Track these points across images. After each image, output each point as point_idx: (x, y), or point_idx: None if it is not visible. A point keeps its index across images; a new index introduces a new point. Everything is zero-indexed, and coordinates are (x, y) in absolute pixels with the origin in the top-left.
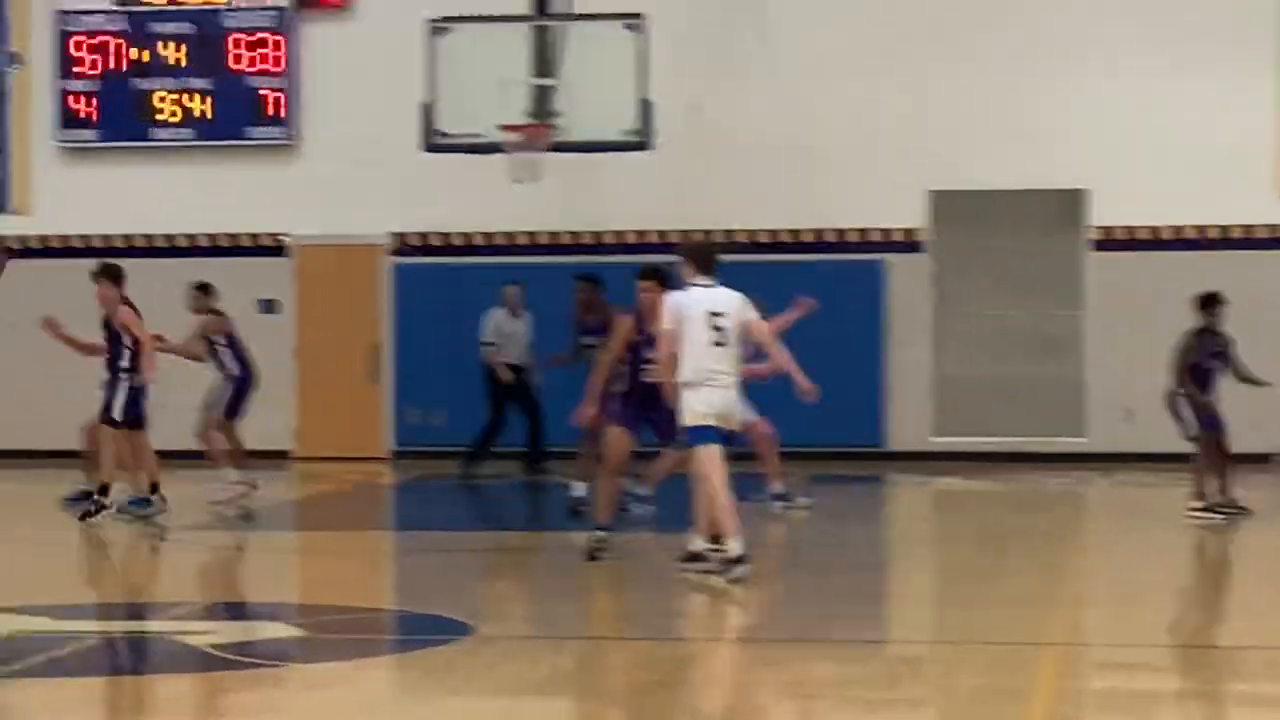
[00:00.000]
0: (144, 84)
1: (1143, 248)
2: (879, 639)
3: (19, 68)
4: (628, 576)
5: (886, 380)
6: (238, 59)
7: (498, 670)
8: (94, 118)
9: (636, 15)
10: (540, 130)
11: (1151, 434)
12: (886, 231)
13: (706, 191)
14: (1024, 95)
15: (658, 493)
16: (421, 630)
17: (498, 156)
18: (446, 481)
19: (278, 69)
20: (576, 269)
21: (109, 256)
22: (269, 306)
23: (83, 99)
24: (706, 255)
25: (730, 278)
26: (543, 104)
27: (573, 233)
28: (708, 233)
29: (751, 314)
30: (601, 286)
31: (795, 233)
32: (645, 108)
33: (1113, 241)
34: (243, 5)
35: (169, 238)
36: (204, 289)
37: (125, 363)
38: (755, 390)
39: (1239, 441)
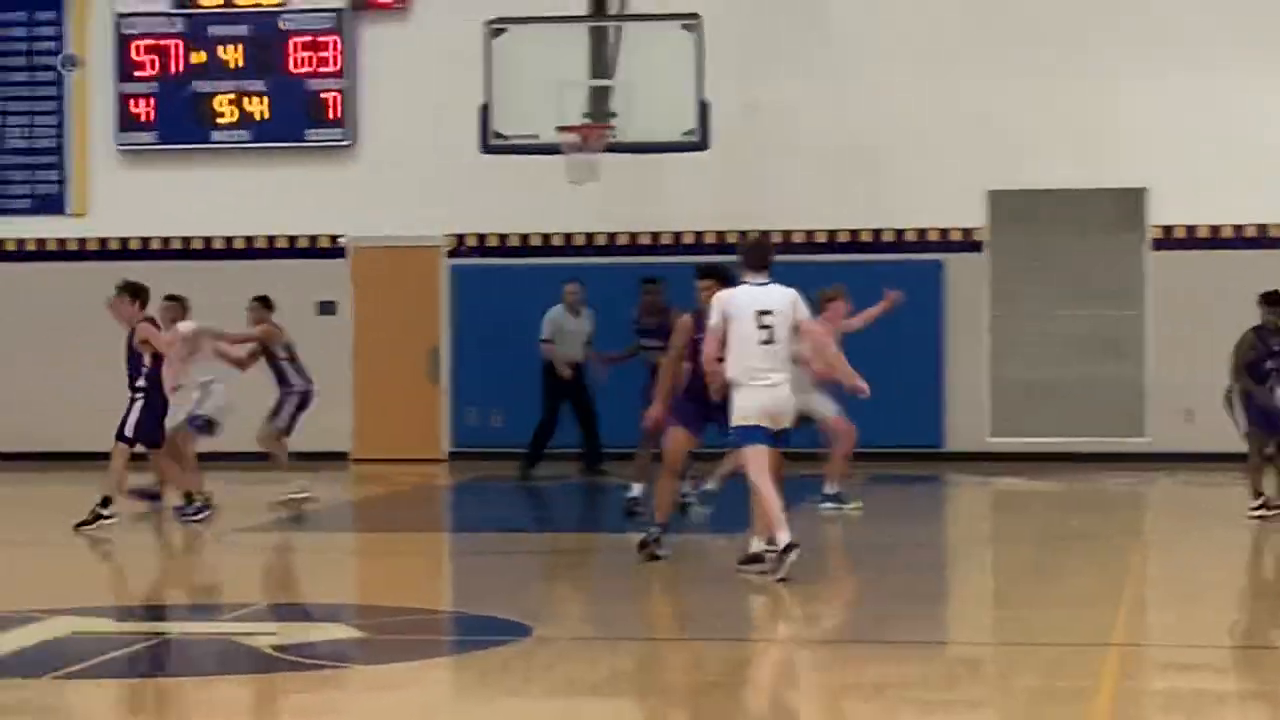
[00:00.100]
0: (202, 86)
1: (1203, 246)
2: (938, 640)
3: (77, 70)
4: (686, 577)
5: (945, 380)
6: (295, 61)
7: (555, 671)
8: (152, 120)
9: (693, 15)
10: (597, 131)
11: (1212, 434)
12: (945, 232)
13: (764, 192)
14: (1084, 94)
15: (720, 492)
16: (479, 631)
17: (555, 157)
18: (504, 483)
19: (335, 71)
20: (633, 270)
21: (167, 259)
22: (327, 308)
23: (141, 102)
24: (758, 253)
25: (788, 278)
26: (600, 105)
27: (630, 233)
28: (765, 233)
29: (803, 313)
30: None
31: (854, 233)
32: (702, 108)
33: (1173, 240)
34: (300, 7)
35: (227, 240)
36: (264, 302)
37: (142, 382)
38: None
39: None
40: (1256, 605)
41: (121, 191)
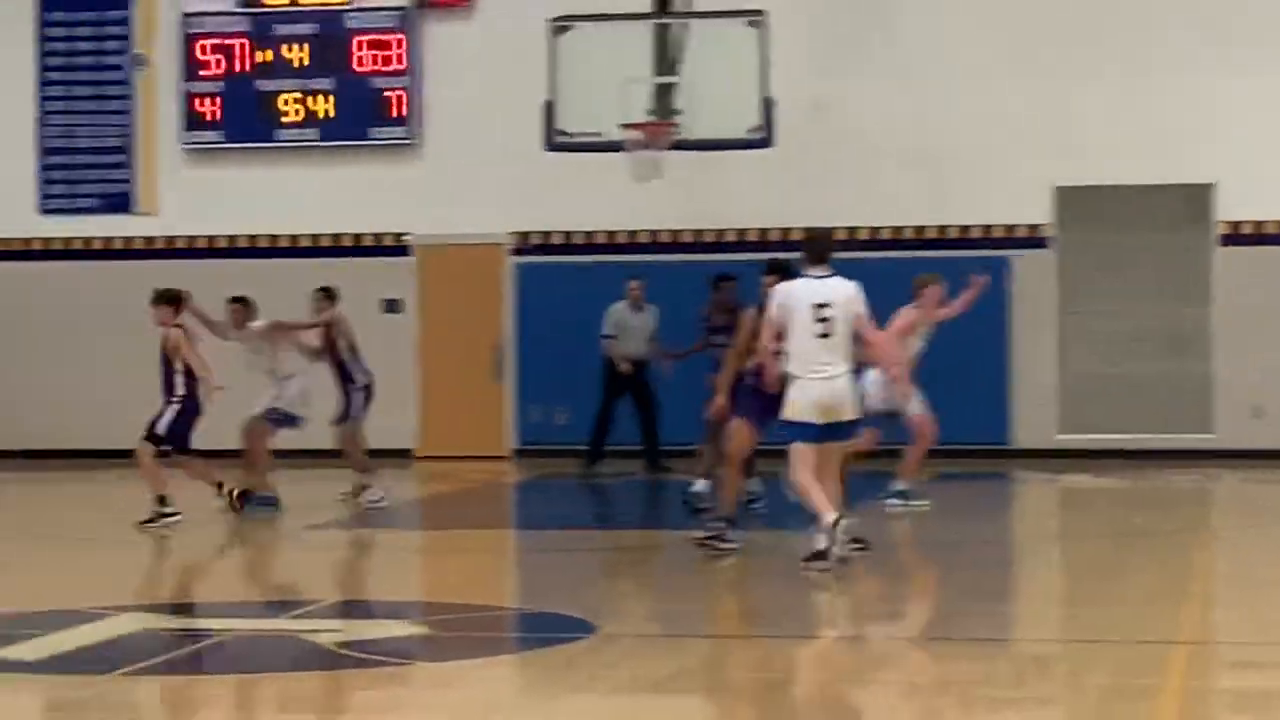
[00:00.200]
0: (267, 85)
1: (1271, 242)
2: (1005, 637)
3: (144, 70)
4: (751, 573)
5: (1012, 377)
6: (360, 59)
7: (620, 668)
8: (218, 119)
9: (759, 12)
10: (662, 128)
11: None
12: (1011, 228)
13: (829, 188)
14: (1150, 90)
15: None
16: (544, 629)
17: (619, 155)
18: (568, 480)
19: (400, 69)
20: (697, 267)
21: (232, 257)
22: (392, 306)
23: (207, 101)
24: (818, 246)
25: (853, 275)
26: (664, 102)
27: (694, 231)
28: (830, 230)
29: (861, 307)
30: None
31: (919, 230)
32: (767, 105)
33: (1241, 236)
34: (365, 5)
35: (292, 238)
36: (327, 293)
37: (180, 388)
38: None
39: None
40: None
41: (187, 190)
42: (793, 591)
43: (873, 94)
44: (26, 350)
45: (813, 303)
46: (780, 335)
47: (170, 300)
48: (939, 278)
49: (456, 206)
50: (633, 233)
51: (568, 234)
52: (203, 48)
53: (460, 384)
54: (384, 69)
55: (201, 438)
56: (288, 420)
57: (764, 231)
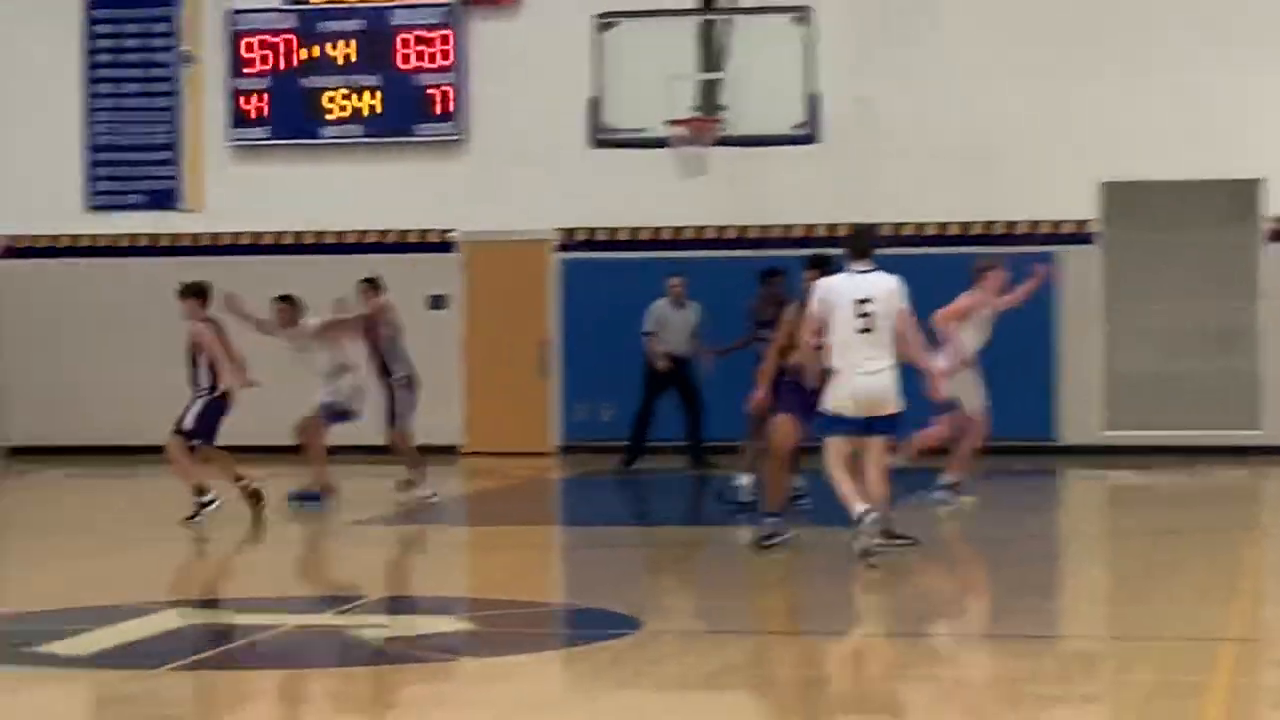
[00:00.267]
0: (313, 82)
1: None
2: (1051, 634)
3: (191, 67)
4: (797, 570)
5: (1058, 374)
6: (406, 56)
7: (666, 665)
8: (264, 116)
9: (804, 8)
10: (707, 124)
11: None
12: (1057, 224)
13: (874, 184)
14: (1197, 84)
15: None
16: (590, 625)
17: (664, 151)
18: (614, 477)
19: (445, 65)
20: (742, 263)
21: (278, 254)
22: (437, 302)
23: (253, 98)
24: (861, 241)
25: (899, 272)
26: (709, 98)
27: (739, 227)
28: (875, 226)
29: (903, 302)
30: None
31: (964, 225)
32: (813, 101)
33: None
34: (411, 2)
35: (338, 234)
36: (373, 283)
37: (203, 380)
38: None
39: None
40: None
41: (234, 187)
42: (838, 588)
43: (918, 90)
44: (74, 346)
45: (855, 298)
46: (821, 330)
47: (197, 293)
48: (1000, 261)
49: (502, 203)
50: (678, 229)
51: (613, 230)
52: (249, 45)
53: (506, 380)
54: (430, 66)
55: (248, 434)
56: (342, 415)
57: (809, 227)
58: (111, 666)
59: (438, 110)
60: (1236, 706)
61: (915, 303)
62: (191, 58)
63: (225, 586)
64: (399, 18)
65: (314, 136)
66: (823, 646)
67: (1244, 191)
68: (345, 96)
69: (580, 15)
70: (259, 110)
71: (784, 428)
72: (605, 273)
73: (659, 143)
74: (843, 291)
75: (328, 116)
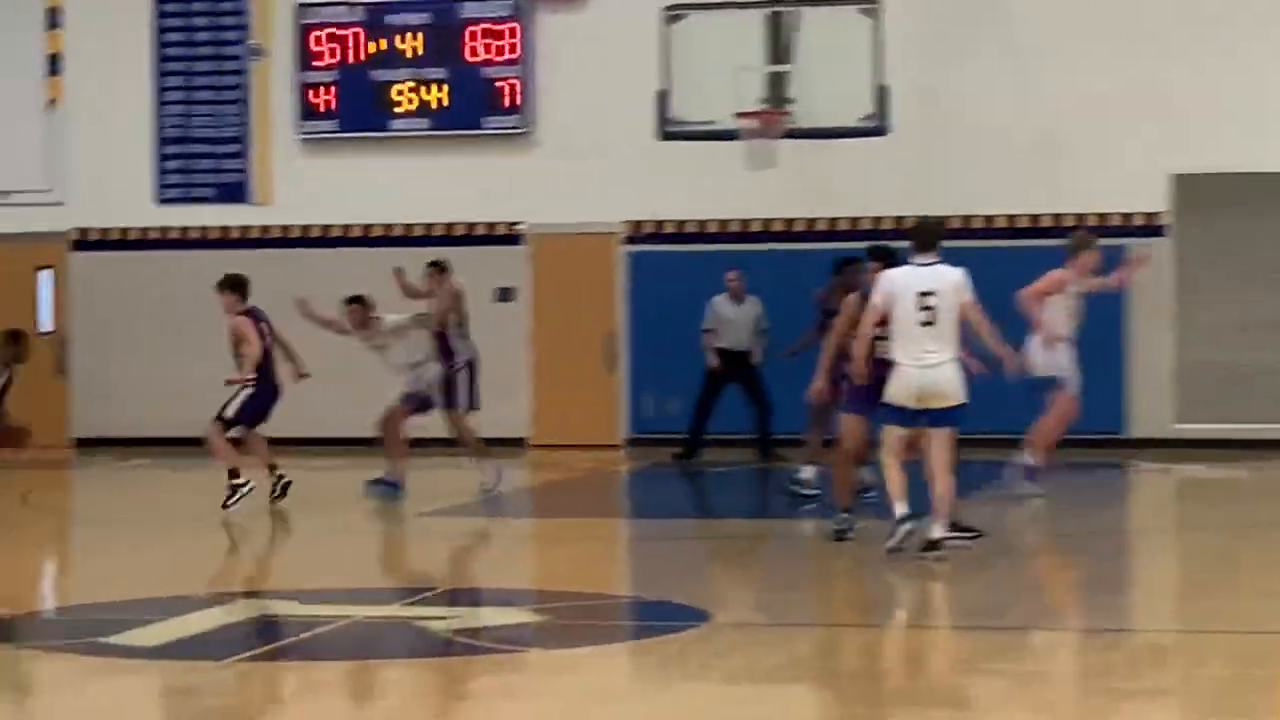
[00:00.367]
0: (381, 75)
1: None
2: (1122, 627)
3: (260, 60)
4: (863, 563)
5: (1128, 366)
6: (474, 49)
7: (733, 657)
8: (333, 109)
9: (872, 0)
10: (775, 116)
11: None
12: (1128, 216)
13: (943, 176)
14: (1268, 74)
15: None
16: (656, 617)
17: (732, 143)
18: (681, 469)
19: (513, 58)
20: (809, 255)
21: (346, 246)
22: (505, 295)
23: (322, 91)
24: (925, 234)
25: (967, 263)
26: (777, 90)
27: (807, 219)
28: (944, 218)
29: (968, 294)
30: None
31: (1034, 217)
32: (881, 93)
33: None
34: None
35: (406, 227)
36: (440, 266)
37: (251, 371)
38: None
39: None
40: None
41: (302, 180)
42: (905, 581)
43: (987, 81)
44: (143, 339)
45: (917, 290)
46: (883, 322)
47: (234, 286)
48: (1094, 240)
49: (569, 195)
50: (745, 221)
51: (680, 223)
52: (317, 38)
53: (572, 373)
54: (497, 58)
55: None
56: (424, 405)
57: (877, 219)
58: (179, 658)
59: (505, 103)
60: None
61: (984, 296)
62: (260, 51)
63: (292, 578)
64: (467, 11)
65: (382, 130)
66: (890, 639)
67: None
68: (413, 89)
69: (648, 8)
70: (327, 103)
71: (850, 427)
72: (672, 265)
73: (727, 135)
74: (906, 284)
75: (396, 110)
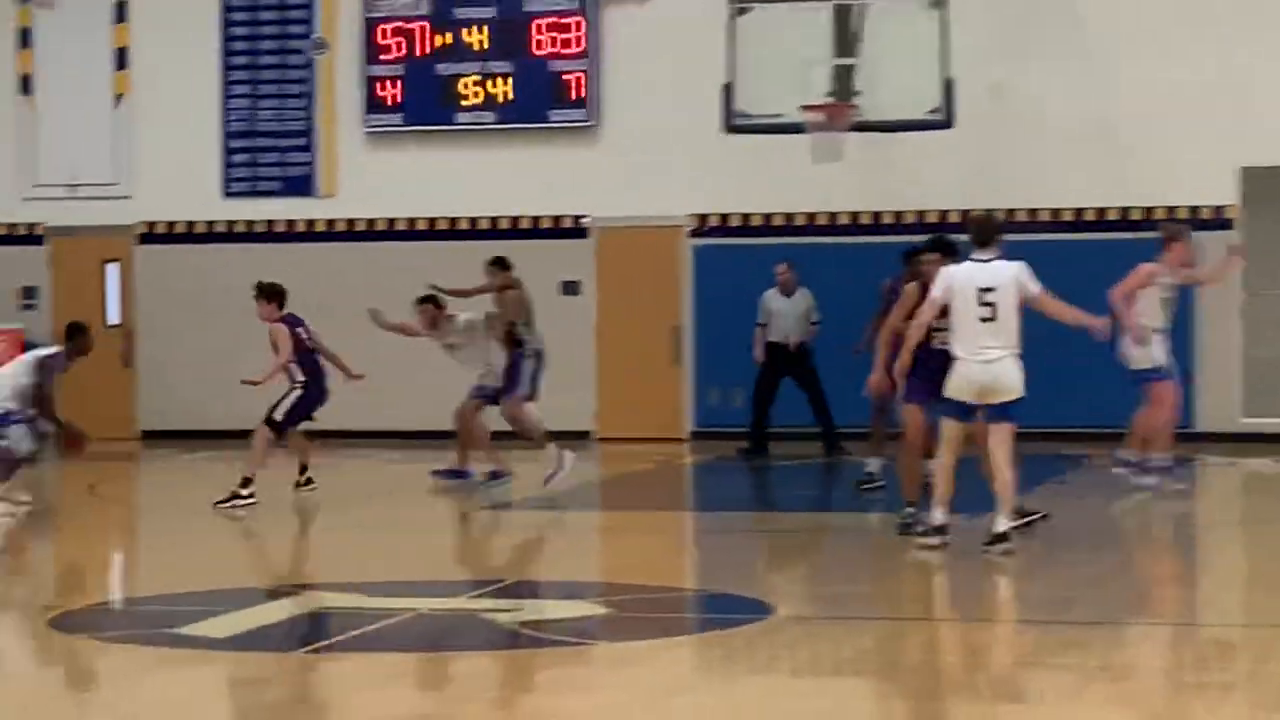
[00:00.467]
0: (447, 68)
1: None
2: (1188, 622)
3: (326, 54)
4: (930, 557)
5: (1196, 360)
6: (539, 42)
7: (799, 650)
8: (398, 102)
9: None
10: (842, 110)
11: None
12: (1195, 209)
13: (1009, 170)
14: None
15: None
16: (722, 610)
17: (798, 136)
18: (746, 462)
19: (579, 51)
20: (876, 249)
21: (412, 240)
22: (570, 288)
23: (388, 84)
24: (984, 229)
25: (1032, 256)
26: (844, 83)
27: (873, 212)
28: (1010, 211)
29: (1033, 286)
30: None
31: (1100, 211)
32: (947, 85)
33: None
34: None
35: (471, 220)
36: (500, 263)
37: (296, 375)
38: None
39: None
40: None
41: (368, 173)
42: (972, 574)
43: (1053, 74)
44: (209, 332)
45: (978, 287)
46: (942, 313)
47: (270, 294)
48: (1187, 231)
49: (635, 188)
50: (810, 214)
51: (746, 216)
52: (383, 31)
53: (638, 366)
54: (563, 52)
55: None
56: (495, 397)
57: (944, 213)
58: (249, 649)
59: (571, 96)
60: None
61: (1051, 290)
62: (325, 45)
63: (359, 571)
64: (533, 4)
65: (448, 123)
66: (956, 633)
67: None
68: (478, 83)
69: (714, 1)
70: (393, 97)
71: (912, 418)
72: (737, 258)
73: (793, 128)
74: (967, 280)
75: (461, 103)
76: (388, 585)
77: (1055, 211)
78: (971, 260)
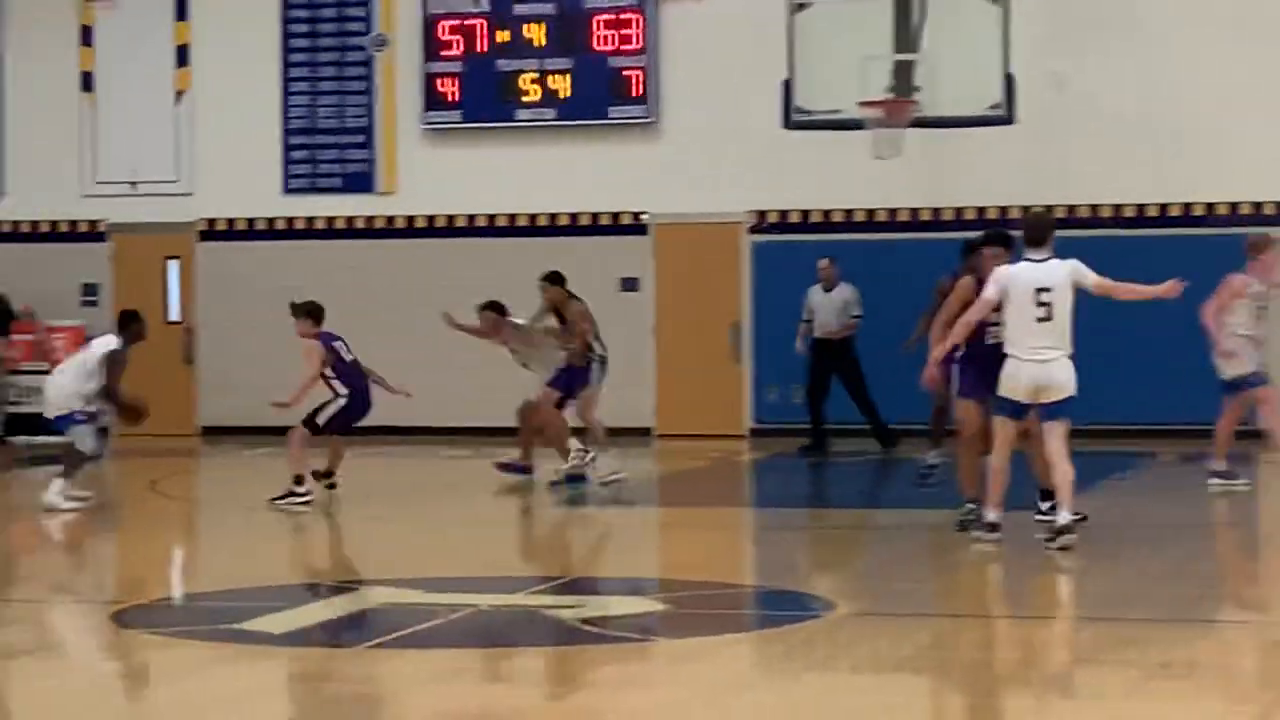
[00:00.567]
0: (506, 65)
1: None
2: (1246, 620)
3: (385, 50)
4: (990, 553)
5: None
6: (599, 39)
7: (858, 647)
8: (458, 99)
9: None
10: (902, 105)
11: None
12: (1258, 205)
13: (1070, 165)
14: None
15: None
16: (781, 606)
17: (858, 133)
18: (805, 459)
19: (638, 48)
20: (937, 245)
21: (471, 236)
22: (629, 285)
23: (447, 81)
24: (1038, 229)
25: (1092, 252)
26: (904, 79)
27: (933, 209)
28: (1072, 208)
29: (1088, 277)
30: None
31: (1162, 207)
32: (1008, 81)
33: None
34: None
35: (530, 217)
36: (553, 278)
37: (338, 388)
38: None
39: None
40: None
41: (427, 169)
42: (1030, 571)
43: (1115, 69)
44: (269, 328)
45: (1035, 287)
46: (996, 309)
47: (308, 312)
48: (1275, 241)
49: (694, 185)
50: (870, 210)
51: (805, 213)
52: (443, 28)
53: (698, 363)
54: (623, 48)
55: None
56: (562, 401)
57: (1004, 209)
58: (309, 644)
59: (631, 93)
60: None
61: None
62: (385, 41)
63: (418, 566)
64: (592, 1)
65: (507, 119)
66: (1015, 630)
67: None
68: (538, 79)
69: None
70: (452, 94)
71: (967, 413)
72: (797, 255)
73: (853, 124)
74: (1024, 280)
75: (521, 100)
76: (446, 581)
77: (1117, 208)
78: (1026, 260)
